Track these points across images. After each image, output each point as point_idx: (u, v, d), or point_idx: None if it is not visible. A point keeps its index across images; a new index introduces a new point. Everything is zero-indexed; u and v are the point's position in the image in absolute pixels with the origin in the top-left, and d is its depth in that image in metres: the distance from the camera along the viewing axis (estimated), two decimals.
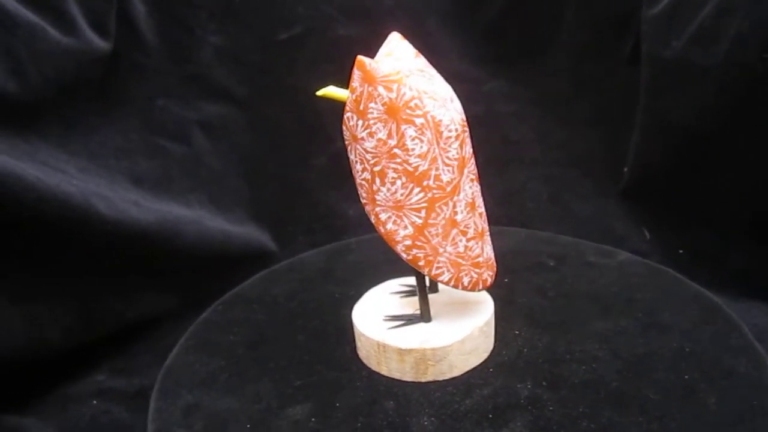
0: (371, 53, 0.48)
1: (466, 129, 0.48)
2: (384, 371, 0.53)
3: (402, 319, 0.54)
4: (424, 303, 0.53)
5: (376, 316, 0.55)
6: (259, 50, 0.78)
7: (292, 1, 0.77)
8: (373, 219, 0.49)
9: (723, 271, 0.69)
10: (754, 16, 0.61)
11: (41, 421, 0.59)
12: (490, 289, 0.56)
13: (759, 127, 0.64)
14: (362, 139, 0.46)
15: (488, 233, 0.51)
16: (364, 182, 0.48)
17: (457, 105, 0.47)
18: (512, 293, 0.61)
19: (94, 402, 0.62)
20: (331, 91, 0.47)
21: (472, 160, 0.49)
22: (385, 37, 0.49)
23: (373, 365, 0.53)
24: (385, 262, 0.61)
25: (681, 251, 0.73)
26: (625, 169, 0.78)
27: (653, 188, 0.76)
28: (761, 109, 0.63)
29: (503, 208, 0.82)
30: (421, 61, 0.48)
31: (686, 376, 0.49)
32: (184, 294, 0.74)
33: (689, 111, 0.68)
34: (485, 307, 0.54)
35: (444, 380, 0.51)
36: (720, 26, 0.64)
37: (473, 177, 0.49)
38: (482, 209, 0.50)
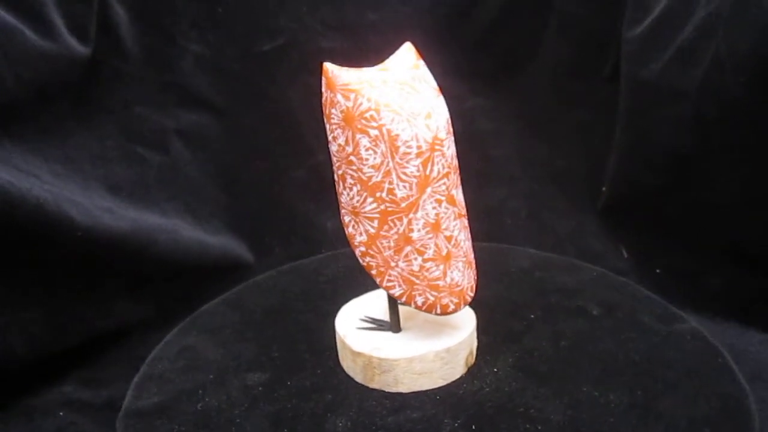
0: (352, 66, 0.48)
1: (440, 149, 0.47)
2: (344, 367, 0.54)
3: (374, 323, 0.54)
4: (393, 313, 0.53)
5: (360, 314, 0.56)
6: (241, 60, 0.78)
7: (275, 12, 0.77)
8: (341, 219, 0.50)
9: (700, 291, 0.70)
10: (732, 40, 0.62)
11: None
12: (507, 323, 0.58)
13: (735, 149, 0.65)
14: (329, 142, 0.48)
15: (460, 259, 0.50)
16: (335, 183, 0.50)
17: (433, 122, 0.47)
18: (525, 332, 0.58)
19: (61, 413, 0.60)
20: None
21: (445, 181, 0.48)
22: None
23: (340, 359, 0.55)
24: None
25: (658, 270, 0.74)
26: (604, 188, 0.78)
27: (631, 207, 0.76)
28: (737, 131, 0.64)
29: (482, 224, 0.81)
30: (414, 74, 0.48)
31: None
32: (157, 304, 0.72)
33: (667, 132, 0.69)
34: (456, 334, 0.53)
35: (388, 392, 0.51)
36: (698, 49, 0.65)
37: (441, 198, 0.48)
38: (452, 233, 0.49)
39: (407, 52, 0.49)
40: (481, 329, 0.57)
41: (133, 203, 0.72)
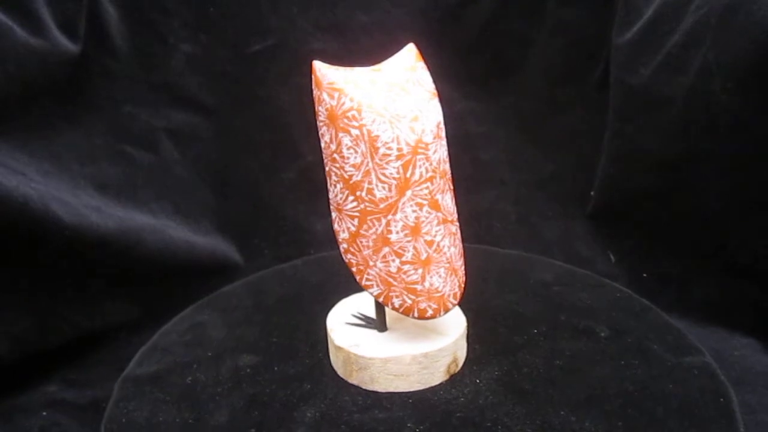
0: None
1: (424, 152, 0.47)
2: (331, 360, 0.55)
3: (363, 320, 0.55)
4: (380, 312, 0.53)
5: (354, 310, 0.56)
6: (231, 60, 0.77)
7: (266, 12, 0.77)
8: (330, 215, 0.51)
9: (686, 296, 0.70)
10: (720, 47, 0.62)
11: None
12: (507, 335, 0.57)
13: (722, 155, 0.65)
14: (319, 138, 0.49)
15: (442, 265, 0.49)
16: (325, 180, 0.50)
17: (419, 125, 0.46)
18: (522, 347, 0.56)
19: (44, 413, 0.59)
20: None
21: (428, 185, 0.47)
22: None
23: (329, 352, 0.56)
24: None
25: (645, 275, 0.74)
26: (592, 193, 0.79)
27: (619, 212, 0.76)
28: (725, 138, 0.65)
29: (471, 227, 0.82)
30: (409, 76, 0.48)
31: None
32: (144, 304, 0.72)
33: (655, 137, 0.70)
34: (439, 340, 0.52)
35: (364, 389, 0.52)
36: (687, 56, 0.66)
37: (423, 202, 0.47)
38: (433, 238, 0.48)
39: (407, 53, 0.49)
40: (478, 339, 0.56)
41: (121, 202, 0.71)
